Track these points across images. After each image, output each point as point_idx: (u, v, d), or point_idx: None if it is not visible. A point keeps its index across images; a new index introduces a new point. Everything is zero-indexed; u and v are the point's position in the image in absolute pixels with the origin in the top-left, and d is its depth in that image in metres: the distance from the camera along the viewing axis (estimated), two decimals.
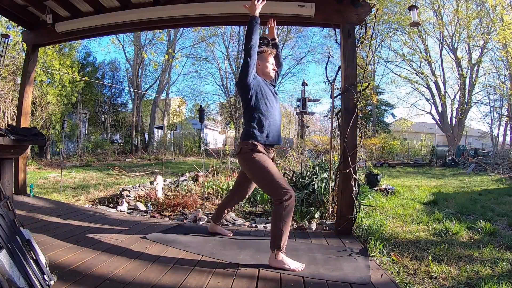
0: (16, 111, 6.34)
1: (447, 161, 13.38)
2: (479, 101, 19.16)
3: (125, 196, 4.31)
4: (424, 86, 20.11)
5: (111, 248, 2.25)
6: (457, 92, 19.37)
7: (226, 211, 2.66)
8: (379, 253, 2.36)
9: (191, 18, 3.40)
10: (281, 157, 6.49)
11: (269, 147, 2.25)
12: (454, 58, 18.85)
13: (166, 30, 16.60)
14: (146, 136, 20.52)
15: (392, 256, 2.30)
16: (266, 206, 4.21)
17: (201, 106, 5.83)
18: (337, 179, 3.02)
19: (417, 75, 19.95)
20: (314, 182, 3.89)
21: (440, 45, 19.31)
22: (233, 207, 2.79)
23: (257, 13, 2.21)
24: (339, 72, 3.01)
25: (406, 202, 4.52)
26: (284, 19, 3.37)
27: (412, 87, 20.83)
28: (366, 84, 3.29)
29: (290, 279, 1.85)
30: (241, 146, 2.19)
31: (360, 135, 3.53)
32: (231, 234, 2.67)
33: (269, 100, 2.23)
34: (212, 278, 1.84)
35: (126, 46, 19.80)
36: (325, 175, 4.06)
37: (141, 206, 3.96)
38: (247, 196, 2.66)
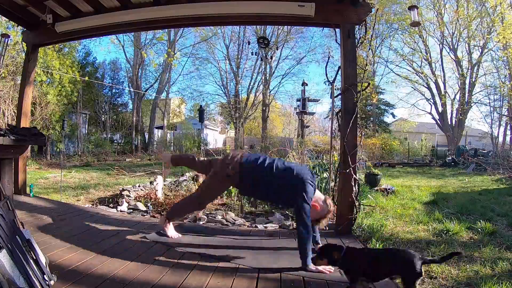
0: (16, 111, 6.33)
1: (447, 161, 13.39)
2: (479, 101, 19.20)
3: (125, 196, 4.31)
4: (424, 86, 20.16)
5: (111, 248, 2.25)
6: (457, 92, 19.40)
7: None
8: None
9: (191, 18, 3.40)
10: (281, 157, 6.48)
11: None
12: (454, 58, 18.86)
13: (166, 30, 16.62)
14: (146, 136, 20.52)
15: None
16: (266, 206, 4.21)
17: (201, 106, 5.84)
18: (337, 179, 3.02)
19: (417, 75, 19.99)
20: None
21: (441, 45, 19.36)
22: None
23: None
24: (339, 72, 3.01)
25: (406, 202, 4.52)
26: (284, 19, 3.38)
27: (412, 87, 20.89)
28: (366, 84, 3.29)
29: (290, 279, 1.85)
30: None
31: (360, 135, 3.52)
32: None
33: None
34: (212, 278, 1.84)
35: (126, 46, 19.84)
36: (325, 175, 4.06)
37: (141, 206, 3.96)
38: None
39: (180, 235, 2.57)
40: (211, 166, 2.51)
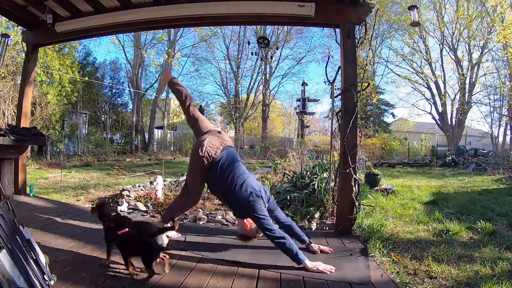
0: (16, 111, 6.33)
1: (447, 161, 13.39)
2: (479, 101, 19.20)
3: (125, 196, 4.31)
4: (424, 86, 20.15)
5: None
6: (457, 92, 19.40)
7: None
8: (379, 253, 2.35)
9: (191, 18, 3.39)
10: (281, 157, 6.48)
11: None
12: (454, 58, 18.86)
13: (166, 30, 16.61)
14: (146, 136, 20.52)
15: (392, 256, 2.30)
16: None
17: (201, 106, 5.84)
18: (337, 179, 3.02)
19: (417, 75, 19.99)
20: (314, 182, 3.88)
21: (441, 45, 19.35)
22: None
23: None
24: (339, 72, 3.01)
25: (406, 202, 4.52)
26: (284, 19, 3.37)
27: (412, 87, 20.89)
28: (366, 84, 3.29)
29: (290, 279, 1.85)
30: None
31: (360, 135, 3.54)
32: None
33: None
34: (212, 278, 1.84)
35: (126, 46, 19.82)
36: (325, 175, 4.06)
37: (141, 206, 3.96)
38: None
39: (179, 235, 2.56)
40: (194, 121, 2.51)
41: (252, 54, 18.32)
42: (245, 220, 2.29)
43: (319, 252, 2.29)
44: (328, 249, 2.33)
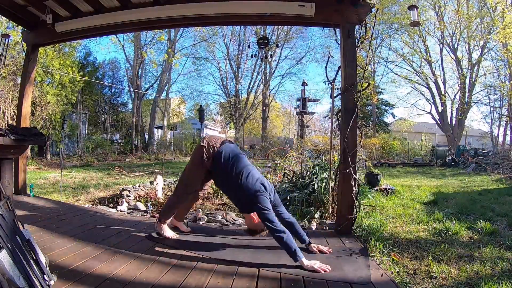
0: (16, 111, 6.33)
1: (447, 161, 13.38)
2: (479, 101, 19.18)
3: (125, 196, 4.31)
4: (424, 86, 20.14)
5: (111, 248, 2.25)
6: (457, 92, 19.39)
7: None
8: (379, 253, 2.36)
9: (191, 18, 3.40)
10: (281, 157, 6.48)
11: None
12: (454, 58, 18.85)
13: (166, 30, 16.61)
14: (146, 136, 20.51)
15: (392, 256, 2.30)
16: None
17: (201, 106, 5.85)
18: (337, 179, 3.02)
19: (417, 75, 19.97)
20: (314, 182, 3.88)
21: (441, 45, 19.35)
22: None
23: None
24: (339, 72, 3.01)
25: (406, 202, 4.52)
26: (284, 19, 3.38)
27: (412, 87, 20.88)
28: (366, 84, 3.29)
29: (290, 279, 1.85)
30: None
31: (360, 135, 3.55)
32: (189, 229, 2.76)
33: None
34: (212, 277, 1.84)
35: (126, 46, 19.78)
36: (325, 175, 4.05)
37: (141, 206, 3.96)
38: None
39: (177, 235, 2.58)
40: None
41: (252, 57, 18.30)
42: (252, 214, 2.34)
43: (318, 252, 2.29)
44: (327, 250, 2.32)
